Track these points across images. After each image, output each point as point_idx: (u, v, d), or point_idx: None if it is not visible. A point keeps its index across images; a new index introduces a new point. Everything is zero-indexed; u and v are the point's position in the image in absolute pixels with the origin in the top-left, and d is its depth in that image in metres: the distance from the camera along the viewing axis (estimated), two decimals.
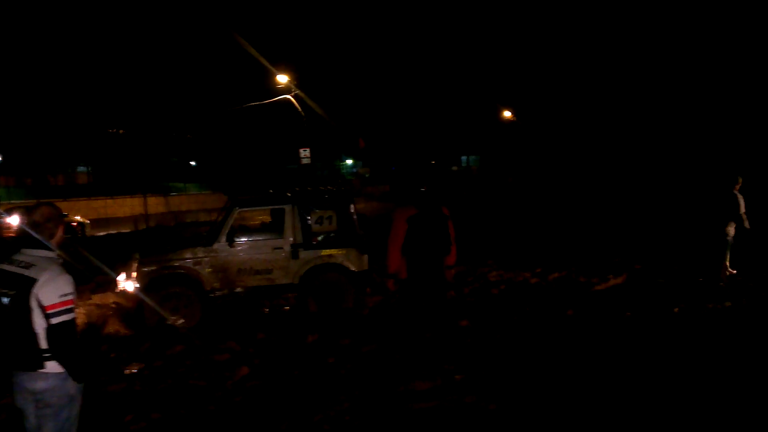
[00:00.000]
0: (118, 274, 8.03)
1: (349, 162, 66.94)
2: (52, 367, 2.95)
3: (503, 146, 41.35)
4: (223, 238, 7.86)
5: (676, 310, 6.60)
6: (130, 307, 8.53)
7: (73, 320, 2.97)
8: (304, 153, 26.94)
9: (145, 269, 7.67)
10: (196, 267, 7.79)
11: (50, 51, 37.50)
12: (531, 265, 10.01)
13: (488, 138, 43.14)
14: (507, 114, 36.30)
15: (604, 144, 30.68)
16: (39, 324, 2.91)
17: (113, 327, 7.79)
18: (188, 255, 7.83)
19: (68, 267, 3.08)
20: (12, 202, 26.65)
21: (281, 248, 8.03)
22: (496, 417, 4.28)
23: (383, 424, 4.35)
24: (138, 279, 7.61)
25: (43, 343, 2.93)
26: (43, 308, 2.89)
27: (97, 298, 8.80)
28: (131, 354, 6.73)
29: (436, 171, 44.46)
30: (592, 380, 4.73)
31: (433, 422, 4.26)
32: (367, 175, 56.67)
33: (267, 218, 9.19)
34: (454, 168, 51.04)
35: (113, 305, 8.64)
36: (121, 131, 41.66)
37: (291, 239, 8.03)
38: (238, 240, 7.92)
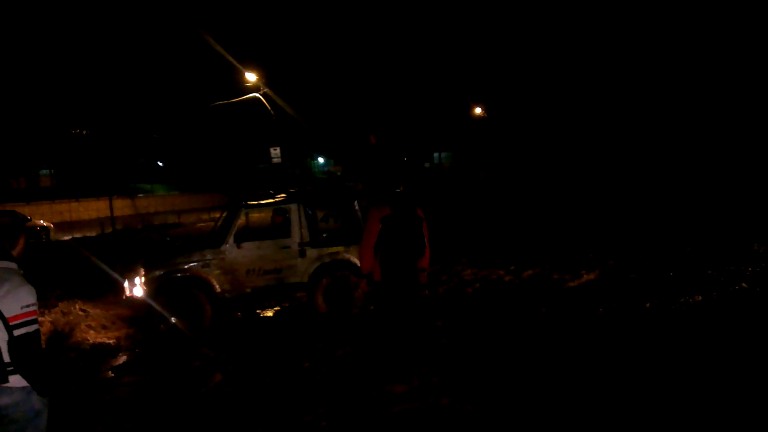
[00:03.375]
0: (125, 279, 7.89)
1: (321, 161, 66.68)
2: (16, 381, 2.85)
3: (475, 143, 41.61)
4: (231, 239, 7.83)
5: (647, 305, 6.68)
6: (137, 313, 8.34)
7: (36, 331, 2.88)
8: (275, 152, 26.75)
9: (154, 274, 7.55)
10: (206, 270, 7.73)
11: (10, 49, 36.47)
12: (505, 263, 10.07)
13: (460, 134, 43.38)
14: (478, 110, 36.53)
15: (577, 139, 31.09)
16: (1, 337, 2.81)
17: (81, 335, 7.58)
18: (197, 258, 7.77)
19: (31, 275, 2.98)
20: None
21: (289, 247, 8.07)
22: (473, 418, 4.27)
23: (360, 428, 4.30)
24: (147, 284, 7.48)
25: (6, 357, 2.83)
26: (4, 320, 2.79)
27: (63, 306, 8.56)
28: (101, 362, 6.57)
29: (408, 168, 44.57)
30: (567, 378, 4.75)
31: (410, 425, 4.22)
32: (338, 174, 56.55)
33: (268, 218, 9.15)
34: (426, 165, 51.23)
35: (81, 312, 8.42)
36: (84, 132, 40.78)
37: (298, 238, 8.05)
38: (245, 241, 7.89)
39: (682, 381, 4.41)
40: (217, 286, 7.76)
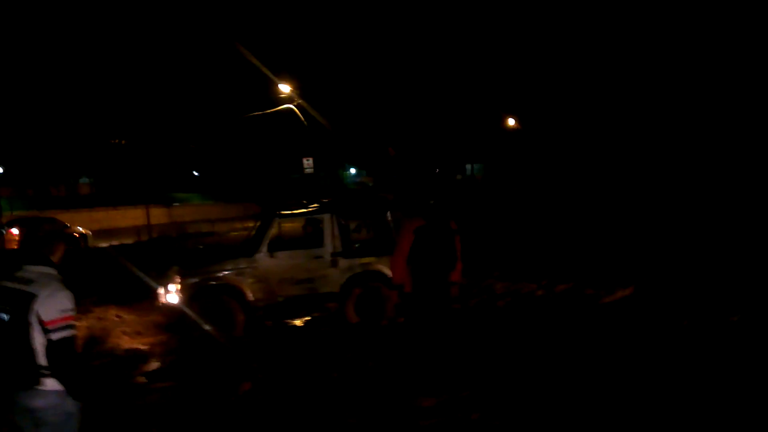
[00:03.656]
0: (160, 286, 8.00)
1: (353, 171, 66.98)
2: (51, 384, 2.91)
3: (508, 154, 41.30)
4: (264, 248, 7.89)
5: (685, 322, 6.51)
6: (170, 320, 8.46)
7: (73, 337, 2.93)
8: (307, 162, 26.95)
9: (189, 281, 7.65)
10: (239, 278, 7.79)
11: (52, 61, 37.64)
12: (537, 277, 9.91)
13: (492, 146, 43.10)
14: (511, 122, 36.28)
15: (612, 151, 30.59)
16: (38, 340, 2.88)
17: (115, 340, 7.71)
18: (230, 266, 7.84)
19: (70, 281, 3.05)
20: (14, 213, 26.61)
21: (321, 257, 8.09)
22: None
23: None
24: (181, 291, 7.59)
25: (42, 360, 2.89)
26: (42, 324, 2.85)
27: (98, 311, 8.73)
28: (134, 367, 6.66)
29: (440, 179, 44.46)
30: (599, 397, 4.64)
31: None
32: (370, 184, 56.70)
33: (300, 227, 9.23)
34: (459, 176, 51.00)
35: (116, 318, 8.57)
36: (123, 141, 41.78)
37: (330, 248, 8.08)
38: (278, 250, 7.94)
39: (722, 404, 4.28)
40: (250, 295, 7.80)
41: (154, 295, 8.19)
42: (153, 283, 8.64)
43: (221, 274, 7.78)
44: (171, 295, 7.67)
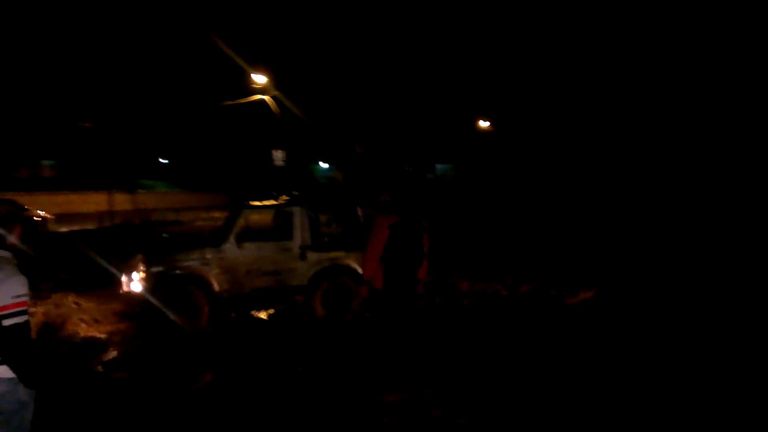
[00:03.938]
0: (123, 274, 7.85)
1: (324, 166, 66.68)
2: (3, 371, 2.82)
3: (478, 155, 41.64)
4: (233, 239, 7.81)
5: (644, 325, 6.64)
6: (130, 308, 8.29)
7: (26, 323, 2.84)
8: (278, 155, 26.74)
9: (153, 269, 7.51)
10: (205, 268, 7.70)
11: (21, 41, 36.58)
12: (502, 277, 10.03)
13: (463, 147, 43.42)
14: (483, 124, 36.55)
15: (581, 154, 31.08)
16: None
17: (73, 328, 7.53)
18: (196, 255, 7.72)
19: (25, 266, 2.95)
20: None
21: (290, 249, 8.07)
22: (464, 431, 4.22)
23: None
24: (145, 279, 7.44)
25: None
26: None
27: (56, 297, 8.51)
28: (92, 356, 6.51)
29: (410, 178, 44.59)
30: (558, 395, 4.70)
31: None
32: (340, 180, 56.54)
33: (269, 220, 9.13)
34: (429, 176, 51.23)
35: (74, 305, 8.37)
36: (89, 125, 40.82)
37: (299, 241, 8.07)
38: (246, 241, 7.87)
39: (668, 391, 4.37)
40: (216, 285, 7.73)
41: (117, 283, 8.03)
42: (115, 271, 8.48)
43: (187, 264, 7.66)
44: (134, 283, 7.54)
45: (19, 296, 2.80)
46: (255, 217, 8.75)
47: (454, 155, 49.21)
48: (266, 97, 25.79)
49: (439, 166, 52.81)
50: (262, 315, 8.64)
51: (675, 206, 19.24)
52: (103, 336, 7.42)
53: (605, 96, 30.50)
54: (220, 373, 5.70)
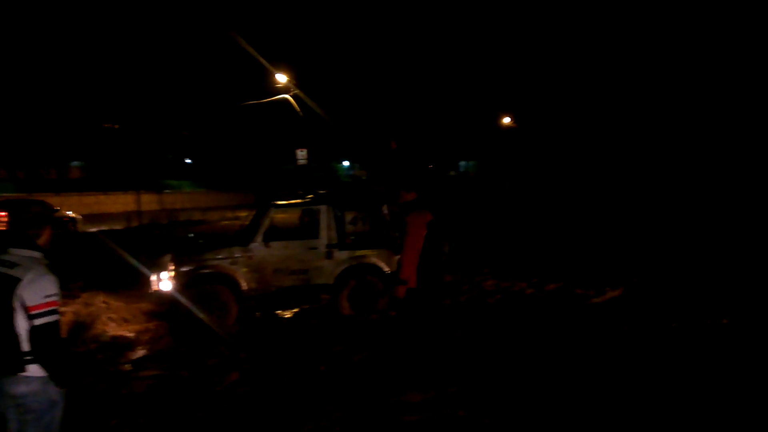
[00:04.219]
0: (152, 273, 7.96)
1: (346, 164, 66.85)
2: (34, 370, 2.87)
3: (501, 152, 41.37)
4: (260, 238, 7.87)
5: (673, 325, 6.52)
6: (158, 307, 8.40)
7: (56, 322, 2.89)
8: (301, 154, 26.85)
9: (183, 268, 7.59)
10: (233, 267, 7.77)
11: (47, 45, 37.30)
12: (527, 275, 9.93)
13: (486, 143, 43.18)
14: (506, 120, 36.29)
15: (605, 151, 30.69)
16: (22, 326, 2.83)
17: (102, 327, 7.64)
18: (225, 254, 7.80)
19: (55, 266, 3.00)
20: (3, 195, 26.38)
21: (316, 248, 8.09)
22: (489, 431, 4.19)
23: None
24: (174, 278, 7.54)
25: (25, 346, 2.85)
26: (26, 309, 2.80)
27: (85, 297, 8.65)
28: (120, 355, 6.61)
29: (433, 175, 44.47)
30: (587, 395, 4.64)
31: None
32: (363, 178, 56.65)
33: (294, 218, 9.19)
34: (452, 173, 51.07)
35: (103, 304, 8.50)
36: (116, 126, 41.44)
37: (326, 239, 8.09)
38: (273, 240, 7.92)
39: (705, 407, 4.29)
40: (244, 284, 7.79)
41: (146, 283, 8.13)
42: (145, 270, 8.59)
43: (215, 263, 7.74)
44: (163, 282, 7.63)
45: (49, 296, 2.85)
46: (282, 216, 8.79)
47: (477, 152, 48.95)
48: (288, 96, 25.92)
49: (462, 163, 52.57)
50: (287, 314, 8.68)
51: (703, 203, 18.87)
52: (131, 335, 7.52)
53: (629, 92, 30.08)
54: (246, 372, 5.74)
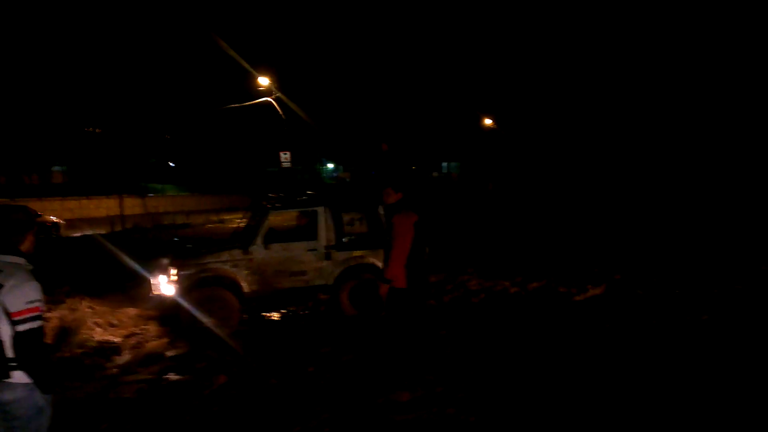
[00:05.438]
0: (152, 277, 7.97)
1: (330, 166, 66.83)
2: (19, 377, 2.85)
3: (484, 153, 41.60)
4: (260, 240, 7.92)
5: (654, 322, 6.63)
6: (146, 312, 8.36)
7: (40, 328, 2.87)
8: (285, 156, 26.82)
9: (184, 272, 7.61)
10: (234, 269, 7.82)
11: (29, 49, 36.88)
12: (511, 274, 10.01)
13: (469, 145, 43.39)
14: (488, 121, 36.50)
15: (586, 150, 31.00)
16: (5, 332, 2.81)
17: (88, 332, 7.59)
18: (225, 257, 7.85)
19: (39, 271, 2.99)
20: None
21: (315, 250, 8.16)
22: (476, 429, 4.24)
23: None
24: (176, 282, 7.54)
25: (9, 352, 2.83)
26: (9, 315, 2.79)
27: (70, 302, 8.59)
28: (107, 360, 6.58)
29: (416, 176, 44.61)
30: (570, 391, 4.71)
31: None
32: (347, 180, 56.67)
33: (289, 220, 9.21)
34: (435, 174, 51.24)
35: (88, 309, 8.45)
36: (98, 130, 41.09)
37: (325, 241, 8.17)
38: (273, 242, 7.98)
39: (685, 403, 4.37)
40: (245, 287, 7.86)
41: (142, 286, 8.10)
42: (145, 273, 8.57)
43: (217, 266, 7.79)
44: (165, 285, 7.64)
45: (32, 302, 2.83)
46: (280, 218, 8.83)
47: (459, 153, 49.17)
48: (271, 99, 25.88)
49: (444, 164, 52.76)
50: (275, 316, 8.69)
51: (683, 201, 19.14)
52: (118, 339, 7.50)
53: (608, 93, 30.43)
54: (234, 374, 5.75)
